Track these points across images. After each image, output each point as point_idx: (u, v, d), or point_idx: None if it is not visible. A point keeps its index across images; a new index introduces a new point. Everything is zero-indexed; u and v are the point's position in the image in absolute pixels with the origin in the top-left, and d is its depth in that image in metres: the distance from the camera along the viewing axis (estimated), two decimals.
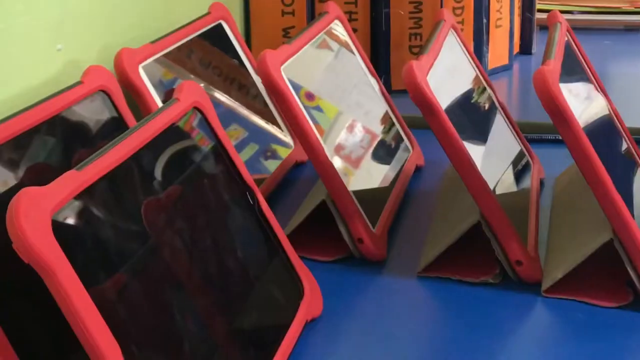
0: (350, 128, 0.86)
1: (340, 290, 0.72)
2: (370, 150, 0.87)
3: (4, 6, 0.68)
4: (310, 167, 0.95)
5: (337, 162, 0.79)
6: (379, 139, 0.90)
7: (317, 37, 0.87)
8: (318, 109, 0.82)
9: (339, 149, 0.81)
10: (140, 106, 0.77)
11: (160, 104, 0.78)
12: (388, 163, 0.89)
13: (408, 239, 0.81)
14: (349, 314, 0.69)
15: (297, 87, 0.79)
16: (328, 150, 0.77)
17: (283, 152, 0.96)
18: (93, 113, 0.69)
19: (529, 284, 0.71)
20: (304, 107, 0.77)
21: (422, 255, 0.76)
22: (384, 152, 0.90)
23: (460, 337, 0.65)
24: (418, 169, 0.96)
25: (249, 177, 0.66)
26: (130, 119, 0.73)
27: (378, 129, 0.91)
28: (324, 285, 0.73)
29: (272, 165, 0.93)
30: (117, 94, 0.72)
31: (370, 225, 0.76)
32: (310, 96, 0.82)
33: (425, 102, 0.69)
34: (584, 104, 0.79)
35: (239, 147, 0.90)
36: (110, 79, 0.72)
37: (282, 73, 0.74)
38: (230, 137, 0.88)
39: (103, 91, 0.71)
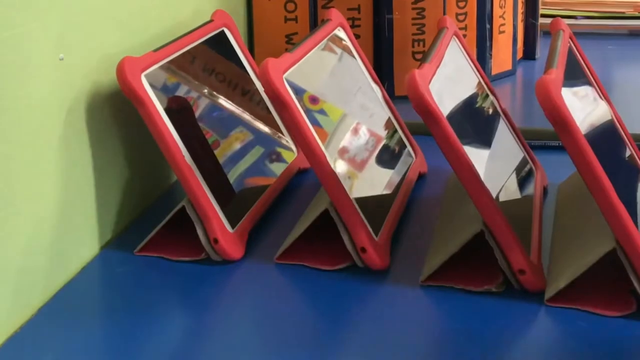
0: (355, 131, 0.86)
1: (343, 300, 0.72)
2: (375, 153, 0.87)
3: (3, 16, 0.68)
4: (313, 174, 0.95)
5: (341, 165, 0.79)
6: (383, 142, 0.90)
7: (319, 44, 0.87)
8: (322, 112, 0.82)
9: (343, 152, 0.81)
10: (142, 115, 0.77)
11: (162, 113, 0.78)
12: (392, 167, 0.89)
13: (411, 247, 0.81)
14: (351, 323, 0.69)
15: (301, 91, 0.79)
16: (331, 154, 0.77)
17: (287, 156, 0.96)
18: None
19: (532, 293, 0.71)
20: (308, 110, 0.77)
21: (425, 263, 0.76)
22: (388, 156, 0.90)
23: (462, 346, 0.65)
24: (421, 176, 0.96)
25: None
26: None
27: (382, 133, 0.91)
28: (325, 295, 0.73)
29: (277, 168, 0.94)
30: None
31: (374, 233, 0.76)
32: (314, 100, 0.82)
33: (427, 110, 0.68)
34: (586, 110, 0.79)
35: (245, 149, 0.90)
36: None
37: (285, 81, 0.74)
38: (236, 140, 0.89)
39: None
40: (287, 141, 0.98)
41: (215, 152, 0.86)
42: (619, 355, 0.64)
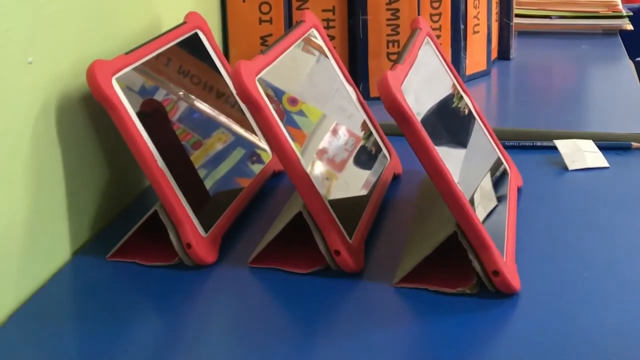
0: (334, 131, 0.85)
1: (317, 303, 0.72)
2: (354, 154, 0.87)
3: None
4: (287, 176, 0.95)
5: (320, 166, 0.78)
6: (361, 143, 0.90)
7: (293, 45, 0.87)
8: (301, 113, 0.82)
9: (322, 153, 0.80)
10: (114, 119, 0.76)
11: (134, 117, 0.77)
12: (370, 168, 0.89)
13: (385, 249, 0.81)
14: (325, 327, 0.69)
15: (280, 93, 0.78)
16: (310, 155, 0.76)
17: (265, 158, 0.96)
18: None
19: (506, 294, 0.71)
20: (287, 112, 0.77)
21: (399, 265, 0.76)
22: (365, 157, 0.90)
23: (437, 348, 0.65)
24: (396, 177, 0.96)
25: None
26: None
27: (360, 134, 0.91)
28: (300, 298, 0.72)
29: (258, 169, 0.94)
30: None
31: (347, 236, 0.76)
32: (293, 101, 0.82)
33: (399, 112, 0.68)
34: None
35: (227, 150, 0.90)
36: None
37: (257, 84, 0.74)
38: (218, 140, 0.89)
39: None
40: (262, 143, 0.97)
41: (197, 152, 0.86)
42: (596, 353, 0.64)
